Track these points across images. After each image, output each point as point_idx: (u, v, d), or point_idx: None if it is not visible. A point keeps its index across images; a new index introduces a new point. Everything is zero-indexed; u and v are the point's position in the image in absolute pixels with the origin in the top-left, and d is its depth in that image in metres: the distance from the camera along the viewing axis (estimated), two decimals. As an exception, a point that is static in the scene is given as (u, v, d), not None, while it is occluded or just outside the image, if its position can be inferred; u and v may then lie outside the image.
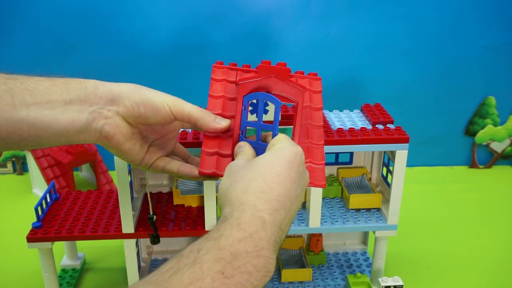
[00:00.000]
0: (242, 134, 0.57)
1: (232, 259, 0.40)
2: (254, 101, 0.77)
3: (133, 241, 0.77)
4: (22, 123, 0.50)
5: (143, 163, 0.59)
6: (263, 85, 0.56)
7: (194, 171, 0.59)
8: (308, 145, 0.60)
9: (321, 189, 0.77)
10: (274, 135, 0.55)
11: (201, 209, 0.82)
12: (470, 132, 1.35)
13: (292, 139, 0.56)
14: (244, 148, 0.55)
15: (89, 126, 0.53)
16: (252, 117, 0.81)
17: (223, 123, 0.57)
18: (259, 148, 0.56)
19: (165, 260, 0.93)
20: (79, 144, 1.20)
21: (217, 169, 0.57)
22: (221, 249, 0.40)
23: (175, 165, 0.60)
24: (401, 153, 0.76)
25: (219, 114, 0.58)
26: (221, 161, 0.57)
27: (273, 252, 0.42)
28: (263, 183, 0.45)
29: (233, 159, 0.57)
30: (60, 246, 0.95)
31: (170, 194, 0.87)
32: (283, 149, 0.49)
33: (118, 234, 0.77)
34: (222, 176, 0.55)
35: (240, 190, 0.46)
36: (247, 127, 0.57)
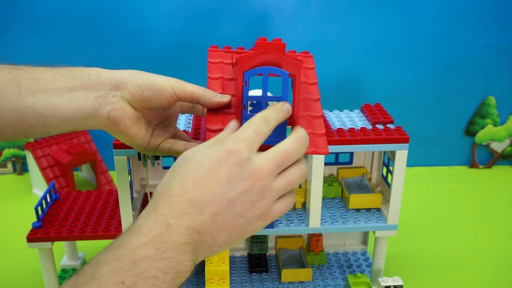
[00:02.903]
0: (244, 109, 0.57)
1: (132, 267, 0.39)
2: (254, 100, 0.77)
3: (133, 241, 0.77)
4: (29, 111, 0.51)
5: (149, 147, 0.60)
6: (261, 61, 0.57)
7: None
8: (308, 116, 0.61)
9: (321, 189, 0.77)
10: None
11: (201, 209, 0.82)
12: (470, 132, 1.35)
13: (293, 113, 0.56)
14: (227, 129, 0.52)
15: (96, 113, 0.54)
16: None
17: (225, 98, 0.58)
18: None
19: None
20: (79, 144, 1.20)
21: None
22: (120, 259, 0.39)
23: (181, 144, 0.61)
24: (401, 153, 0.76)
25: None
26: None
27: (182, 252, 0.41)
28: (179, 187, 0.44)
29: None
30: (60, 246, 0.95)
31: (170, 194, 0.87)
32: (218, 147, 0.45)
33: (118, 234, 0.77)
34: None
35: (157, 194, 0.45)
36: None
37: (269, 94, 0.59)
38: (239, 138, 0.46)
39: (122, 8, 1.18)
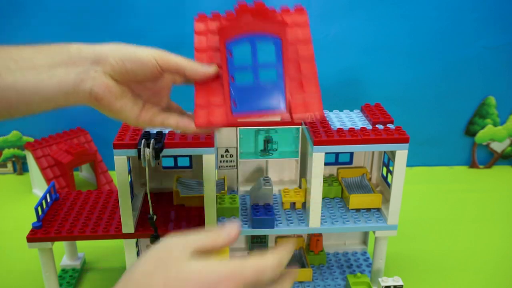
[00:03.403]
0: (232, 81, 0.56)
1: None
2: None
3: (133, 241, 0.77)
4: (10, 90, 0.50)
5: (141, 121, 0.58)
6: (244, 28, 0.54)
7: (192, 124, 0.57)
8: (300, 79, 0.58)
9: (321, 189, 0.77)
10: (279, 74, 0.55)
11: (201, 209, 0.82)
12: (470, 132, 1.35)
13: (284, 78, 0.55)
14: (224, 233, 0.46)
15: (77, 88, 0.53)
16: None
17: (211, 69, 0.56)
18: (258, 87, 0.55)
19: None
20: (79, 144, 1.20)
21: (211, 120, 0.56)
22: None
23: (174, 119, 0.59)
24: (401, 153, 0.76)
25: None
26: (214, 111, 0.56)
27: None
28: None
29: (226, 109, 0.56)
30: (60, 246, 0.95)
31: (170, 194, 0.87)
32: (211, 270, 0.40)
33: (118, 234, 0.77)
34: (217, 126, 0.56)
35: (134, 285, 0.41)
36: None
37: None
38: (236, 274, 0.41)
39: (121, 9, 1.18)
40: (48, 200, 0.86)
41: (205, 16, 0.63)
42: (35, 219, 0.80)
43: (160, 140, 0.71)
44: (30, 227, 0.79)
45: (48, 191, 0.86)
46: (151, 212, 0.75)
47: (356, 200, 0.82)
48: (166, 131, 0.75)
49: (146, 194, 0.85)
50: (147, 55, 0.54)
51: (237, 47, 0.55)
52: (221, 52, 0.55)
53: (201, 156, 0.73)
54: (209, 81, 0.57)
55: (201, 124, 0.56)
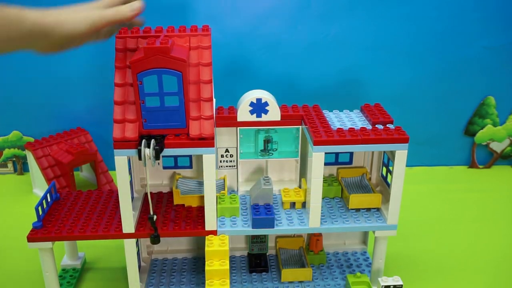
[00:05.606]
0: (143, 104, 0.69)
1: None
2: (254, 100, 0.79)
3: (134, 240, 0.78)
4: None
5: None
6: (152, 62, 0.66)
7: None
8: (199, 101, 0.70)
9: (321, 189, 0.77)
10: (180, 100, 0.68)
11: (201, 209, 0.82)
12: (470, 132, 1.35)
13: (185, 101, 0.68)
14: None
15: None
16: (252, 117, 0.81)
17: (136, 5, 0.69)
18: (163, 109, 0.69)
19: (165, 260, 0.94)
20: (79, 144, 1.20)
21: (126, 135, 0.69)
22: None
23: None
24: (401, 153, 0.76)
25: (124, 83, 0.71)
26: (128, 127, 0.69)
27: None
28: None
29: (138, 124, 0.69)
30: (60, 246, 0.95)
31: (170, 194, 0.87)
32: None
33: (119, 234, 0.77)
34: (131, 140, 0.68)
35: None
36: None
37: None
38: None
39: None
40: (49, 200, 0.86)
41: (126, 32, 0.74)
42: (35, 219, 0.80)
43: (160, 140, 0.71)
44: (30, 227, 0.79)
45: (49, 191, 0.86)
46: (151, 212, 0.75)
47: (356, 200, 0.82)
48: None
49: (146, 194, 0.85)
50: (84, 30, 0.65)
51: (146, 78, 0.68)
52: (134, 82, 0.67)
53: (201, 156, 0.73)
54: (125, 103, 0.70)
55: (117, 137, 0.69)
